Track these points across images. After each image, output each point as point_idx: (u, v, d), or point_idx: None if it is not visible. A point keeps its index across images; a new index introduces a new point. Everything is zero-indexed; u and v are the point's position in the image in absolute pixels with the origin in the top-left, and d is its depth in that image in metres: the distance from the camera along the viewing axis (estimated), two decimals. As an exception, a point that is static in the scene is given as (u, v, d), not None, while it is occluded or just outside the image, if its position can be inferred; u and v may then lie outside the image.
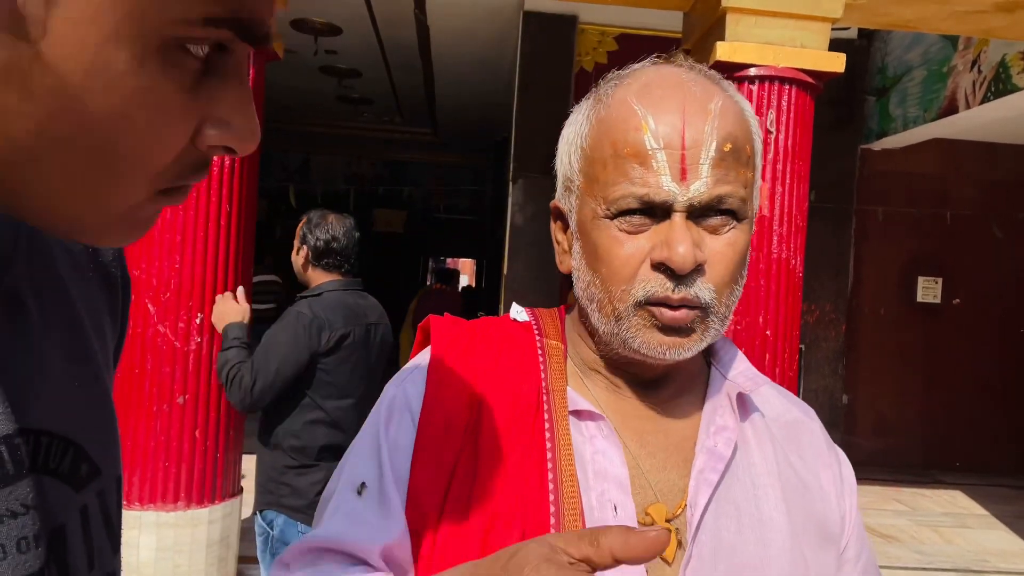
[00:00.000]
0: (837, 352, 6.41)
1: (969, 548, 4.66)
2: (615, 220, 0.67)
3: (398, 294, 9.32)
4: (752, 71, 3.19)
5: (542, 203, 5.32)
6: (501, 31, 5.72)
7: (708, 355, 0.80)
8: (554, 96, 5.35)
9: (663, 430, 0.73)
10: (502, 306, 6.08)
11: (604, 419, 0.70)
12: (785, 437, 0.78)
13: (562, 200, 0.75)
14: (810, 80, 3.24)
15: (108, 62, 0.34)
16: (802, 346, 5.80)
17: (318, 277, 2.56)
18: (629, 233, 0.66)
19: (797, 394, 4.41)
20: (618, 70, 0.74)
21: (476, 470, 0.67)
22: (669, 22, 4.23)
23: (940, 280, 6.57)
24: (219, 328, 2.57)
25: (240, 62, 0.39)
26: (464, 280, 14.83)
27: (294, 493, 2.41)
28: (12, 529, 0.39)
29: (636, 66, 0.73)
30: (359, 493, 0.70)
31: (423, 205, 10.97)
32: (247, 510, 3.41)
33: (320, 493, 1.96)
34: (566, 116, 0.76)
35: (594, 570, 0.43)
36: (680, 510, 0.69)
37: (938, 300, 6.57)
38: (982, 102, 4.81)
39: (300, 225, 2.59)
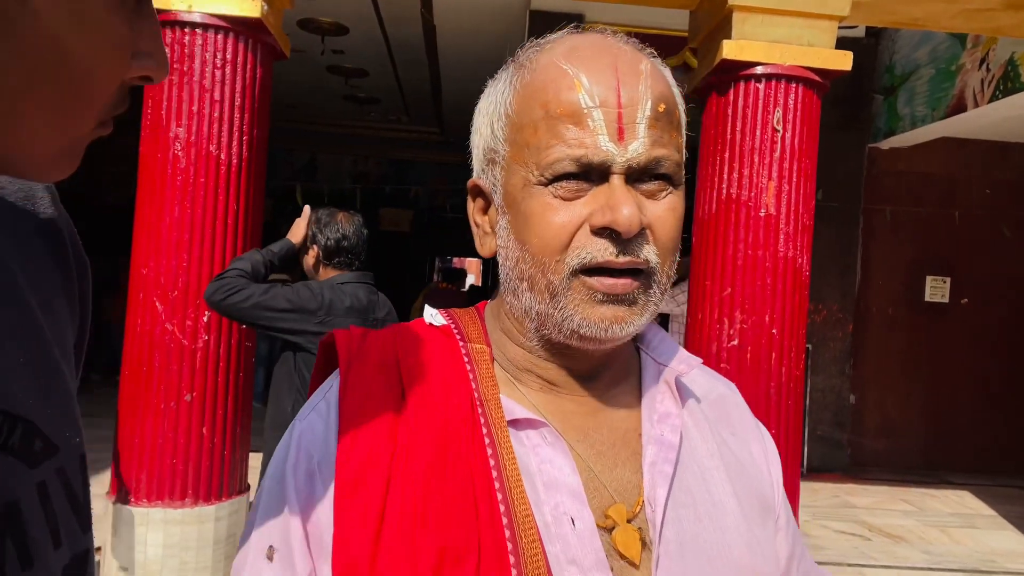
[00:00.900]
0: (844, 352, 6.39)
1: (977, 549, 4.64)
2: (550, 186, 0.62)
3: (405, 293, 9.34)
4: (759, 69, 3.19)
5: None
6: (507, 30, 5.72)
7: (636, 340, 0.76)
8: (560, 95, 5.33)
9: (606, 425, 0.69)
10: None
11: (546, 425, 0.65)
12: (717, 416, 0.76)
13: (483, 176, 0.70)
14: (817, 79, 3.23)
15: (86, 8, 0.38)
16: (809, 346, 5.79)
17: (328, 276, 2.57)
18: (564, 200, 0.62)
19: (804, 394, 4.39)
20: (536, 38, 0.70)
21: (412, 503, 0.60)
22: (675, 21, 4.22)
23: (948, 280, 6.54)
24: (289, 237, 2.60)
25: None
26: (471, 279, 14.83)
27: None
28: None
29: (554, 35, 0.69)
30: (269, 559, 0.63)
31: (429, 204, 10.98)
32: (254, 507, 3.42)
33: None
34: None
35: None
36: (639, 507, 0.65)
37: (946, 300, 6.54)
38: (990, 101, 4.78)
39: (307, 221, 2.60)
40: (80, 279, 0.56)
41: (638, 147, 0.61)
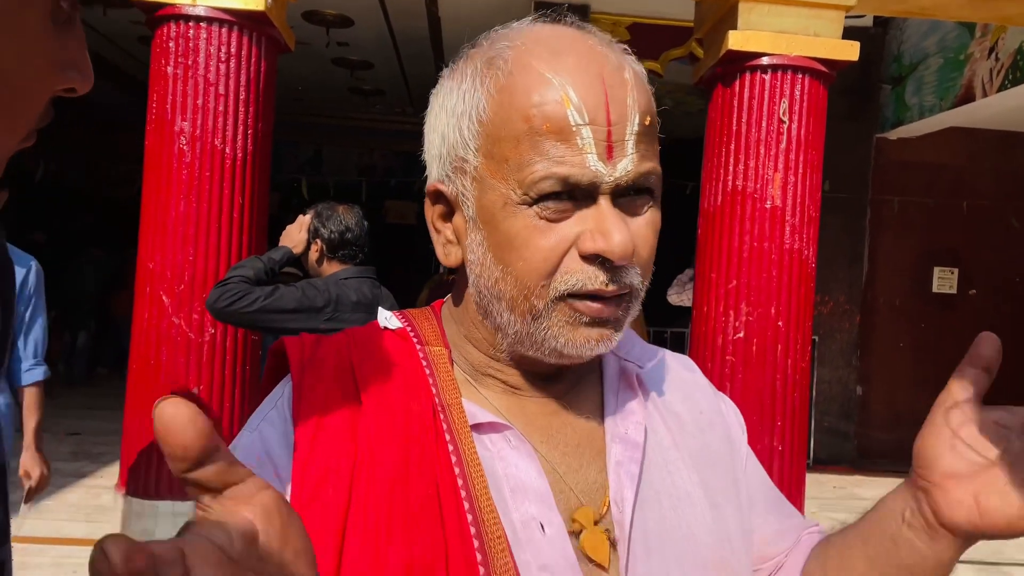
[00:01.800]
0: (851, 344, 6.37)
1: (985, 541, 4.63)
2: (534, 206, 0.58)
3: (410, 286, 9.34)
4: (765, 60, 3.17)
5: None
6: (513, 21, 5.69)
7: None
8: (566, 87, 5.31)
9: (570, 424, 0.67)
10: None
11: (510, 428, 0.63)
12: (682, 399, 0.74)
13: (447, 182, 0.65)
14: (824, 69, 3.21)
15: (20, 23, 0.38)
16: (815, 338, 5.77)
17: (333, 270, 2.56)
18: (550, 221, 0.58)
19: (810, 386, 4.38)
20: (500, 29, 0.65)
21: (376, 515, 0.57)
22: (681, 11, 4.20)
23: (956, 271, 6.50)
24: (280, 243, 2.58)
25: (75, 8, 0.43)
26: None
27: None
28: None
29: (519, 25, 0.65)
30: None
31: (435, 197, 10.98)
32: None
33: None
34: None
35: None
36: (604, 508, 0.64)
37: (954, 291, 6.51)
38: (999, 90, 4.75)
39: (308, 218, 2.60)
40: (2, 277, 0.58)
41: (627, 165, 0.58)
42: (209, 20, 3.04)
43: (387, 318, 0.71)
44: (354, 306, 2.46)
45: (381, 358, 0.66)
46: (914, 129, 6.02)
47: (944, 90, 5.39)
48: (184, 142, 3.05)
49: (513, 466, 0.62)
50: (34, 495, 2.48)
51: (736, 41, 3.12)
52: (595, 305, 0.60)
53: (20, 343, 2.47)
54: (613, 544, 0.62)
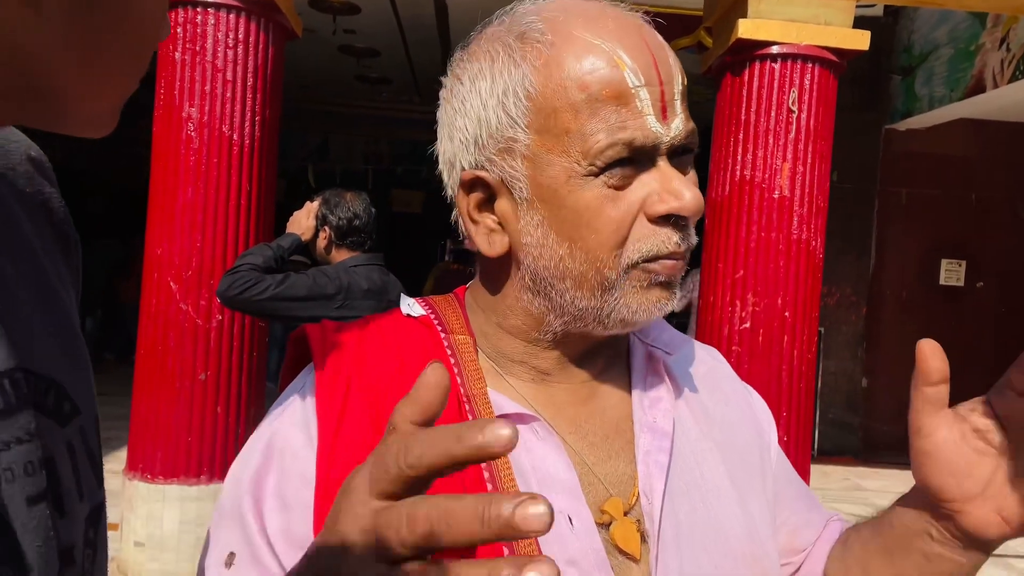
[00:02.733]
0: (857, 335, 6.36)
1: (988, 532, 4.64)
2: (601, 176, 0.57)
3: (416, 275, 9.35)
4: (774, 49, 3.15)
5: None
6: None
7: None
8: (573, 75, 5.29)
9: (598, 413, 0.66)
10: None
11: (537, 419, 0.62)
12: (709, 388, 0.73)
13: (489, 168, 0.61)
14: (834, 59, 3.19)
15: None
16: (821, 329, 5.76)
17: (341, 257, 2.57)
18: (617, 189, 0.58)
19: (816, 377, 4.38)
20: (512, 8, 0.64)
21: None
22: (690, -1, 4.17)
23: (964, 263, 6.47)
24: (287, 230, 2.57)
25: None
26: (482, 261, 14.84)
27: None
28: (19, 454, 0.43)
29: (541, 1, 0.63)
30: (228, 565, 0.59)
31: (441, 185, 10.97)
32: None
33: None
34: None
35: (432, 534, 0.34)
36: (634, 499, 0.63)
37: (961, 283, 6.48)
38: (1010, 81, 4.71)
39: (316, 205, 2.60)
40: (77, 253, 0.59)
41: (679, 124, 0.58)
42: (217, 6, 3.04)
43: (410, 305, 0.70)
44: (364, 293, 2.46)
45: (405, 347, 0.64)
46: (923, 120, 5.98)
47: (954, 81, 5.35)
48: (192, 128, 3.05)
49: (540, 458, 0.61)
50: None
51: (746, 30, 3.10)
52: (670, 262, 0.59)
53: None
54: (643, 536, 0.61)
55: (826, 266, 3.49)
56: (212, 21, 3.05)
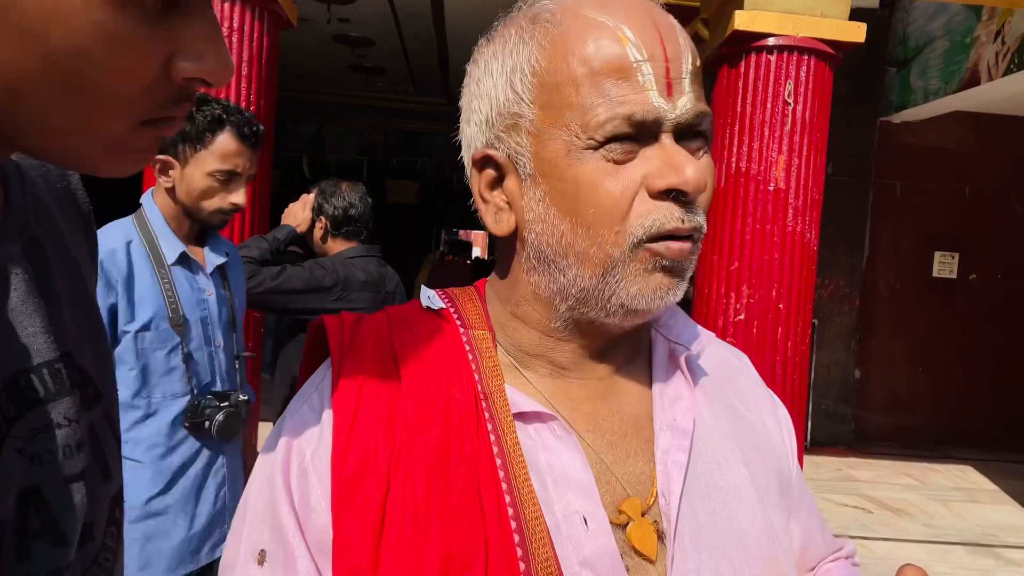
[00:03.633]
0: (850, 327, 6.39)
1: (979, 523, 4.68)
2: (601, 149, 0.57)
3: (411, 265, 9.35)
4: (771, 41, 3.15)
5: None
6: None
7: None
8: (569, 66, 5.28)
9: (617, 411, 0.65)
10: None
11: (555, 418, 0.61)
12: (731, 391, 0.72)
13: (497, 145, 0.62)
14: (830, 51, 3.19)
15: (95, 20, 0.37)
16: (815, 321, 5.79)
17: (337, 247, 2.56)
18: (617, 163, 0.57)
19: (809, 369, 4.40)
20: None
21: (414, 506, 0.56)
22: (687, -10, 4.16)
23: (957, 255, 6.50)
24: (283, 222, 2.57)
25: (170, 2, 0.41)
26: (476, 252, 14.84)
27: None
28: (59, 438, 0.47)
29: None
30: (259, 563, 0.59)
31: (436, 176, 10.95)
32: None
33: None
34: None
35: None
36: (652, 499, 0.61)
37: (954, 275, 6.52)
38: (1005, 74, 4.72)
39: (312, 196, 2.59)
40: (93, 234, 0.61)
41: (686, 103, 0.58)
42: (211, -5, 3.02)
43: (429, 298, 0.69)
44: (362, 285, 2.46)
45: (423, 342, 0.64)
46: (918, 113, 5.99)
47: (949, 73, 5.36)
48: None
49: (557, 456, 0.60)
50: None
51: (742, 21, 3.10)
52: (676, 244, 0.58)
53: None
54: (661, 536, 0.60)
55: (820, 258, 3.51)
56: (206, 10, 3.03)
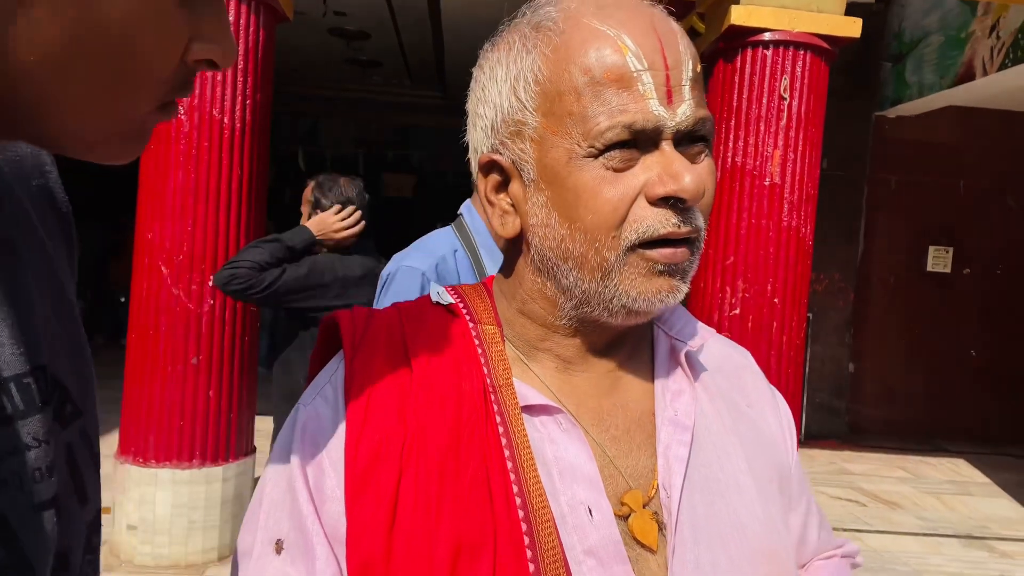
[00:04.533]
0: (844, 321, 6.41)
1: (971, 515, 4.71)
2: (600, 157, 0.58)
3: (407, 259, 9.32)
4: (767, 36, 3.15)
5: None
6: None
7: None
8: (565, 60, 5.27)
9: (621, 406, 0.67)
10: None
11: (561, 411, 0.63)
12: (732, 387, 0.73)
13: (502, 151, 0.64)
14: (826, 46, 3.20)
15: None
16: (810, 314, 5.81)
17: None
18: (617, 171, 0.59)
19: (803, 362, 4.42)
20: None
21: (425, 497, 0.58)
22: (683, -15, 4.16)
23: (951, 250, 6.53)
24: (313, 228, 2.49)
25: None
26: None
27: None
28: (28, 460, 0.42)
29: None
30: (277, 552, 0.61)
31: (433, 169, 10.93)
32: (260, 470, 3.48)
33: None
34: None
35: None
36: (653, 492, 0.63)
37: (948, 270, 6.54)
38: (1000, 69, 4.73)
39: (308, 189, 2.59)
40: (72, 235, 0.58)
41: (686, 110, 0.59)
42: (207, -12, 3.01)
43: (439, 293, 0.70)
44: (359, 280, 2.47)
45: (433, 336, 0.66)
46: (913, 107, 6.01)
47: (944, 68, 5.37)
48: (182, 112, 3.03)
49: (563, 449, 0.62)
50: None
51: (738, 16, 3.11)
52: (668, 250, 0.60)
53: None
54: (661, 528, 0.62)
55: (815, 252, 3.52)
56: (202, 3, 3.02)
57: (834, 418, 6.41)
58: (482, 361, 0.64)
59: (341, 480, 0.60)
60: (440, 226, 1.76)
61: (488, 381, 0.63)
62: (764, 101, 3.18)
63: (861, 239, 6.45)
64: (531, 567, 0.57)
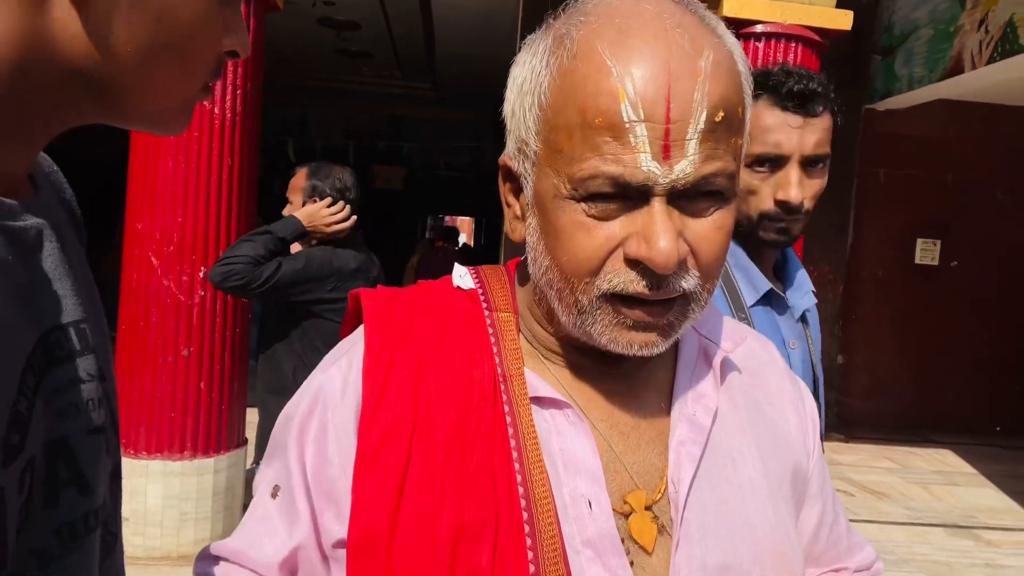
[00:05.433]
0: (834, 313, 6.45)
1: (958, 505, 4.76)
2: (582, 203, 0.56)
3: (398, 251, 9.32)
4: (759, 28, 3.16)
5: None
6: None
7: None
8: (557, 52, 5.26)
9: (632, 404, 0.66)
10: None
11: (570, 406, 0.63)
12: (755, 384, 0.72)
13: (515, 161, 0.63)
14: (817, 38, 3.21)
15: None
16: (800, 306, 5.82)
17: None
18: (598, 219, 0.56)
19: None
20: None
21: (431, 477, 0.59)
22: (675, -24, 4.15)
23: (939, 242, 6.58)
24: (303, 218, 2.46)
25: None
26: (462, 238, 14.81)
27: None
28: (83, 392, 0.51)
29: None
30: (273, 496, 0.66)
31: (423, 161, 10.89)
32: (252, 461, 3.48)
33: None
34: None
35: None
36: (660, 493, 0.63)
37: (936, 262, 6.59)
38: (988, 63, 4.76)
39: (298, 177, 2.56)
40: (84, 241, 0.65)
41: (685, 167, 0.54)
42: (196, -23, 2.98)
43: (461, 276, 0.71)
44: (353, 273, 2.47)
45: (450, 322, 0.67)
46: (903, 100, 6.03)
47: (934, 61, 5.40)
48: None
49: (569, 442, 0.62)
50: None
51: (731, 8, 3.11)
52: (636, 312, 0.58)
53: None
54: (661, 529, 0.62)
55: (804, 245, 3.54)
56: (192, -8, 3.00)
57: (824, 410, 6.46)
58: (494, 350, 0.65)
59: (344, 447, 0.62)
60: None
61: (499, 370, 0.64)
62: (756, 93, 3.18)
63: (850, 232, 6.48)
64: (530, 554, 0.58)
